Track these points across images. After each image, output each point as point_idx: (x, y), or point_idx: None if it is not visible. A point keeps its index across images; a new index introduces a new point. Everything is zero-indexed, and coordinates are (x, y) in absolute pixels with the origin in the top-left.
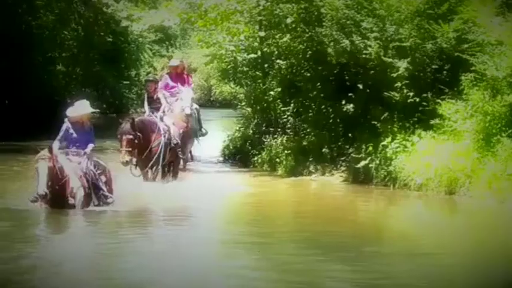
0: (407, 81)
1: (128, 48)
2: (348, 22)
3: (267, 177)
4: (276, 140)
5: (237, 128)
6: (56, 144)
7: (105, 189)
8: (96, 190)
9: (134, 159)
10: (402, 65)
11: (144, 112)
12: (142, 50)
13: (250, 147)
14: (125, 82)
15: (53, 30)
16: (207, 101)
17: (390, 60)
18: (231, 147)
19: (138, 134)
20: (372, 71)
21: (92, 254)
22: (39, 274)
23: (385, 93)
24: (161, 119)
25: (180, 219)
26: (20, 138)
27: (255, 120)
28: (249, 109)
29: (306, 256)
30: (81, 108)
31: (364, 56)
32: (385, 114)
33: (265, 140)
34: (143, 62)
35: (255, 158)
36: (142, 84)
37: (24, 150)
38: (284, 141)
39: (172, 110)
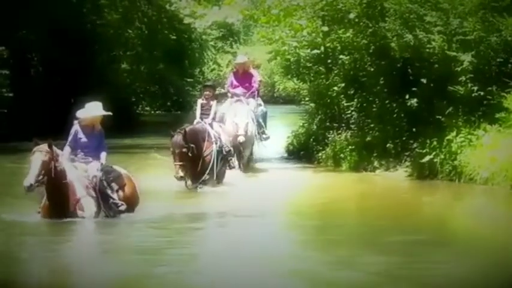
0: (471, 75)
1: (192, 46)
2: (411, 16)
3: (331, 173)
4: (340, 135)
5: (301, 124)
6: (67, 150)
7: (115, 197)
8: (105, 199)
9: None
10: (466, 58)
11: (195, 117)
12: (205, 47)
13: (314, 143)
14: (188, 80)
15: (117, 29)
16: (271, 97)
17: (454, 54)
18: (295, 143)
19: (191, 145)
20: (436, 65)
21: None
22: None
23: (449, 87)
24: (211, 126)
25: (250, 217)
26: None
27: (319, 116)
28: (313, 105)
29: (372, 253)
30: (93, 111)
31: (427, 50)
32: (450, 109)
33: (329, 136)
34: (207, 59)
35: (319, 154)
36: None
37: None
38: (348, 136)
39: (225, 122)
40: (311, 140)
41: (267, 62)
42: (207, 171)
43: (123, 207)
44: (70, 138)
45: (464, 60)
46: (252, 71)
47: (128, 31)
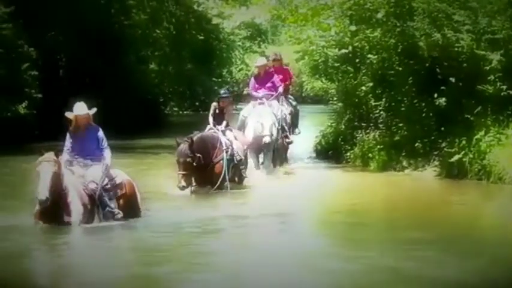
0: (500, 74)
1: (220, 46)
2: (440, 15)
3: (360, 173)
4: (368, 135)
5: (329, 124)
6: (64, 156)
7: (112, 205)
8: (102, 207)
9: (193, 183)
10: (495, 57)
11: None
12: (233, 47)
13: (342, 143)
14: (216, 80)
15: (145, 30)
16: (299, 97)
17: (483, 52)
18: (323, 143)
19: (197, 155)
20: (465, 64)
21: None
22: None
23: (478, 86)
24: (223, 133)
25: (277, 218)
26: (113, 137)
27: (347, 116)
28: (341, 104)
29: (399, 251)
30: (75, 111)
31: (456, 49)
32: (478, 108)
33: (357, 135)
34: (235, 58)
35: (348, 154)
36: (234, 82)
37: (117, 148)
38: (376, 136)
39: (246, 125)
40: (339, 139)
41: (295, 62)
42: (218, 180)
43: (119, 216)
44: (65, 143)
45: (493, 59)
46: (285, 69)
47: (156, 31)
